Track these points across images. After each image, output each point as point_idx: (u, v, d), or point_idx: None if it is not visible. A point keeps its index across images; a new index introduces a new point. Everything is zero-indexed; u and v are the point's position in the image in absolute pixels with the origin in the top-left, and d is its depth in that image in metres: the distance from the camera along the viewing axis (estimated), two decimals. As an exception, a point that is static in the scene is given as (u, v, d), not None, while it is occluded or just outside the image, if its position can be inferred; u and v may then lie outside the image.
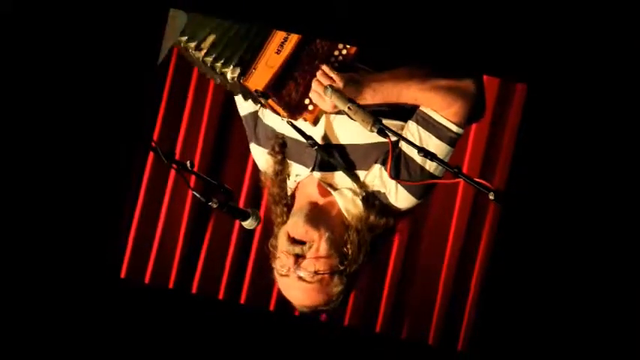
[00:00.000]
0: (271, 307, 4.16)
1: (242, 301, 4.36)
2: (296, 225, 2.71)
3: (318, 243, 2.68)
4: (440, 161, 2.57)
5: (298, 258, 2.68)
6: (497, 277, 2.43)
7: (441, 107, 2.65)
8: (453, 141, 2.67)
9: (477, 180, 2.50)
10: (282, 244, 2.72)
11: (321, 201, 2.76)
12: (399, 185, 2.71)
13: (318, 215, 2.73)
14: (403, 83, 2.65)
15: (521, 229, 2.41)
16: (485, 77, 2.76)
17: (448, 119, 2.66)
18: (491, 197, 2.43)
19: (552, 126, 2.41)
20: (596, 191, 2.40)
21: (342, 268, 2.69)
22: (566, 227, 2.41)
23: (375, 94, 2.63)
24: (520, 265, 2.41)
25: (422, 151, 2.56)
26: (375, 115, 2.59)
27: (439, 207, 4.29)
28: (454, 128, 2.66)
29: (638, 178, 2.40)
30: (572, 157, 2.40)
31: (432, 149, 2.61)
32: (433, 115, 2.66)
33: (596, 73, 2.40)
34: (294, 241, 2.70)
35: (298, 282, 2.69)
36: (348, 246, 2.70)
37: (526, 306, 2.41)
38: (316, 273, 2.67)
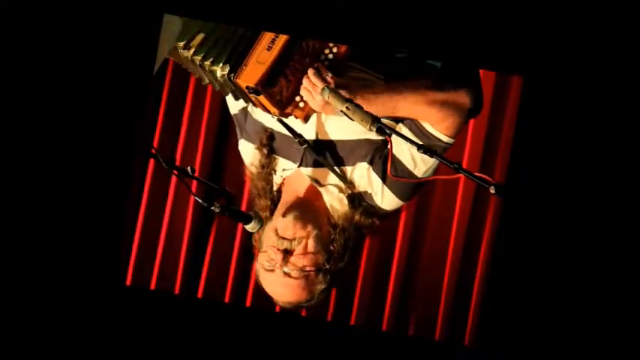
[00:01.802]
0: (277, 309, 4.17)
1: (248, 303, 4.36)
2: (286, 226, 2.71)
3: (307, 240, 2.69)
4: (439, 157, 2.56)
5: (286, 254, 2.69)
6: (501, 271, 2.43)
7: (436, 121, 2.65)
8: (443, 150, 2.67)
9: (477, 174, 2.50)
10: (269, 238, 2.72)
11: (308, 198, 2.77)
12: (385, 187, 2.72)
13: (307, 213, 2.73)
14: (399, 96, 2.63)
15: (523, 222, 2.41)
16: (481, 71, 2.76)
17: (440, 131, 2.66)
18: (492, 191, 2.43)
19: (550, 117, 2.41)
20: (595, 181, 2.40)
21: (327, 266, 2.70)
22: (569, 218, 2.41)
23: (369, 107, 2.59)
24: (524, 257, 2.41)
25: (422, 147, 2.55)
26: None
27: (440, 203, 4.29)
28: (445, 139, 2.67)
29: (635, 166, 2.40)
30: (570, 147, 2.41)
31: (420, 156, 2.62)
32: (425, 126, 2.66)
33: (592, 63, 2.40)
34: (282, 236, 2.71)
35: (284, 278, 2.69)
36: (335, 244, 2.70)
37: (531, 299, 2.41)
38: (303, 270, 2.68)
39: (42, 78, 2.41)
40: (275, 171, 2.84)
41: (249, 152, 2.92)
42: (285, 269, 2.68)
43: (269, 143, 2.83)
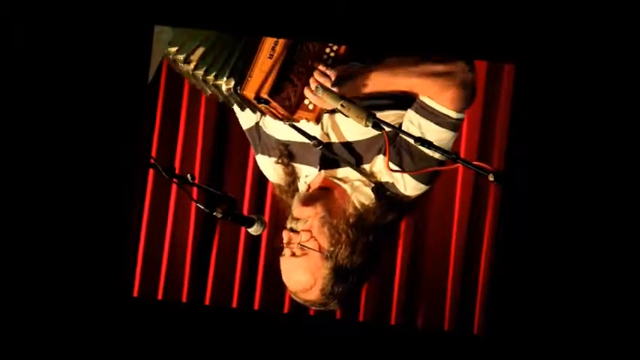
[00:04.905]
0: (285, 310, 4.18)
1: (256, 307, 4.37)
2: (296, 205, 2.76)
3: (313, 220, 2.71)
4: (437, 148, 2.58)
5: (292, 232, 2.72)
6: (505, 258, 2.44)
7: (435, 93, 2.66)
8: (454, 126, 2.68)
9: (475, 163, 2.51)
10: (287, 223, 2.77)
11: (328, 188, 2.78)
12: (404, 174, 2.72)
13: (320, 197, 2.76)
14: (392, 70, 2.66)
15: (523, 209, 2.42)
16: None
17: (445, 106, 2.66)
18: (491, 179, 2.44)
19: (544, 103, 2.42)
20: (592, 166, 2.41)
21: (331, 249, 2.69)
22: (569, 203, 2.41)
23: (366, 84, 2.64)
24: (526, 244, 2.42)
25: (418, 140, 2.57)
26: (373, 107, 2.61)
27: (441, 195, 4.30)
28: (453, 114, 2.67)
29: (630, 148, 2.41)
30: (567, 133, 2.41)
31: (433, 136, 2.62)
32: (431, 103, 2.66)
33: (583, 48, 2.41)
34: (293, 217, 2.76)
35: (290, 258, 2.72)
36: (342, 232, 2.70)
37: (536, 285, 2.42)
38: (302, 246, 2.70)
39: (35, 91, 2.41)
40: (299, 179, 2.87)
41: (268, 165, 2.94)
42: (291, 247, 2.71)
43: (289, 159, 2.86)
